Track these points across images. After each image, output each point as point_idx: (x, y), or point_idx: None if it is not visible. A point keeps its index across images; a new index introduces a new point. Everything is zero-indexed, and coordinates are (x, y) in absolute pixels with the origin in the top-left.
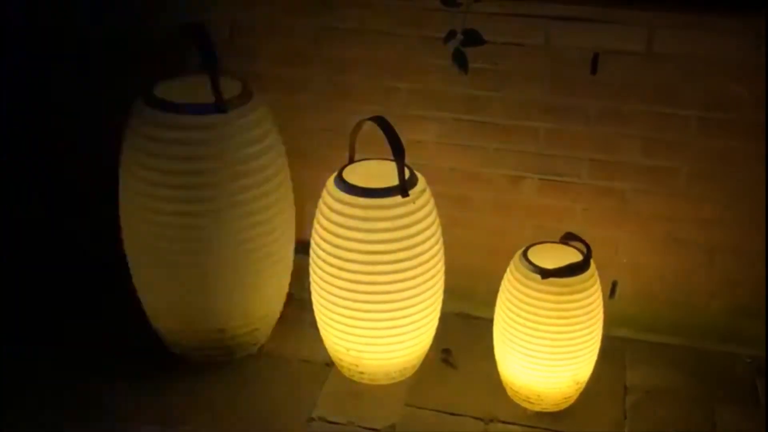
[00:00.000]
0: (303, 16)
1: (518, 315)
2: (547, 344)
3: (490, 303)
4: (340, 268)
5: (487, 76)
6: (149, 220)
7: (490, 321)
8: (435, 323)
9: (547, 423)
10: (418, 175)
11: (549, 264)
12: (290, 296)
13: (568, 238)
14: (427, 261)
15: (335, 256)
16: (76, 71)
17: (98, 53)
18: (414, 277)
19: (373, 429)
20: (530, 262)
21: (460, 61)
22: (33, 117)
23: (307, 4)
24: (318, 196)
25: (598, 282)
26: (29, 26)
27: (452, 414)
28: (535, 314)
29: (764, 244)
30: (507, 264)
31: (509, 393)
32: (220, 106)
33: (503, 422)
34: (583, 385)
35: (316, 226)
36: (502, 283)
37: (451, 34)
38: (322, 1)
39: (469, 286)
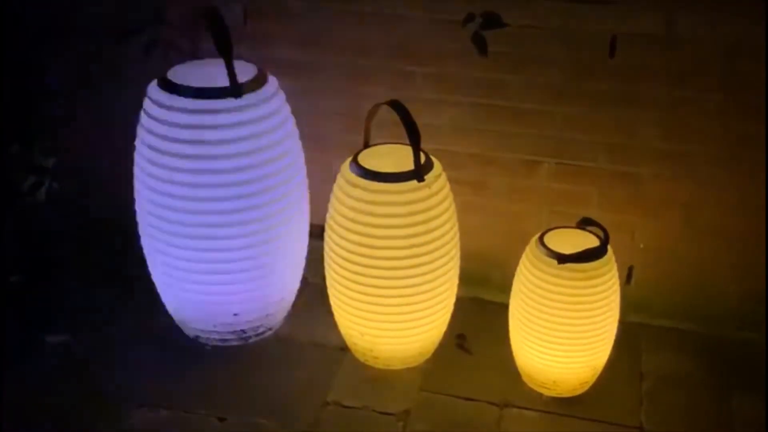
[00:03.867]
0: (317, 0)
1: (534, 300)
2: (563, 330)
3: (506, 288)
4: (355, 253)
5: (503, 60)
6: (164, 205)
7: (506, 306)
8: (450, 308)
9: (562, 409)
10: (434, 159)
11: (565, 249)
12: (305, 281)
13: (584, 223)
14: (443, 246)
15: (350, 241)
16: (91, 55)
17: (113, 37)
18: (429, 262)
19: (387, 413)
20: (546, 247)
21: (480, 44)
22: (46, 102)
23: None
24: (333, 180)
25: (615, 267)
26: (40, 11)
27: (467, 399)
28: (551, 300)
29: None
30: (523, 249)
31: (525, 378)
32: (234, 91)
33: (518, 407)
34: (599, 370)
35: (331, 210)
36: (518, 268)
37: (470, 17)
38: None
39: (485, 272)
